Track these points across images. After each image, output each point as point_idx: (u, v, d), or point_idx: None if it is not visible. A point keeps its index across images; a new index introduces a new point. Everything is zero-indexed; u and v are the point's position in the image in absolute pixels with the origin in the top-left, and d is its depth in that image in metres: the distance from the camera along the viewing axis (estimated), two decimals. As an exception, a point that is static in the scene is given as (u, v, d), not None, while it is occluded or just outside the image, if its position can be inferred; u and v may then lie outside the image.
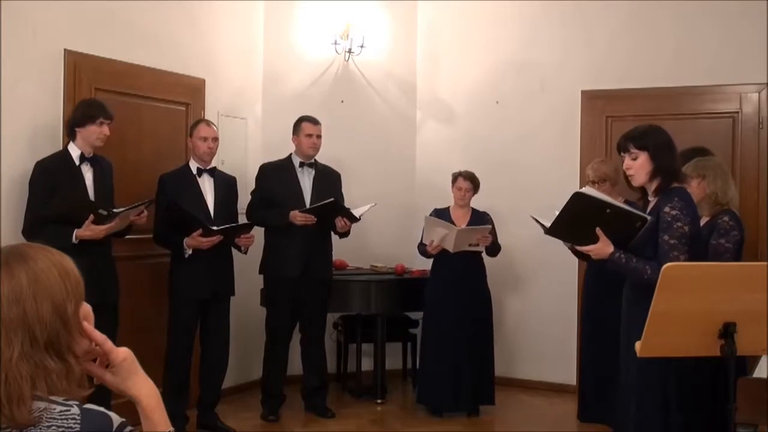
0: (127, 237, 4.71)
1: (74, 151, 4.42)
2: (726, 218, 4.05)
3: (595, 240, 3.28)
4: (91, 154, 4.47)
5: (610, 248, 3.26)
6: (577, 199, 3.27)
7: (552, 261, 6.07)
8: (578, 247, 3.42)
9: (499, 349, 5.92)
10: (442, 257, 5.56)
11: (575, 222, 3.33)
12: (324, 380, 5.72)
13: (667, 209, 3.21)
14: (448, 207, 5.75)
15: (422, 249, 5.66)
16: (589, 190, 3.36)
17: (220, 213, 5.08)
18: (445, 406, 5.64)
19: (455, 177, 5.70)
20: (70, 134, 4.46)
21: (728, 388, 2.66)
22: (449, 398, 5.58)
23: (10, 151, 4.38)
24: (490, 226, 5.55)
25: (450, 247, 5.43)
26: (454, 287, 5.57)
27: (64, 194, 4.27)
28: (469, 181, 5.65)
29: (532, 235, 5.42)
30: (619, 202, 3.47)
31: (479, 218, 5.70)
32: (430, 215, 5.65)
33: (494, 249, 5.64)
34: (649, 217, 3.24)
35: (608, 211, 3.25)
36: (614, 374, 3.64)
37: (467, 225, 5.59)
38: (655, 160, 3.29)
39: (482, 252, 5.62)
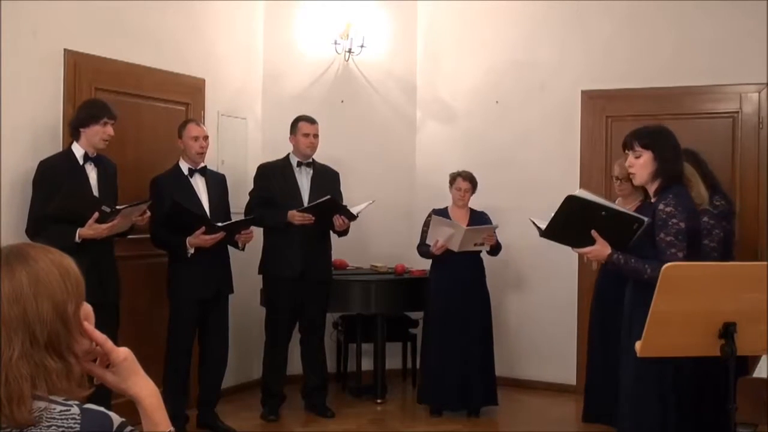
0: (127, 237, 4.69)
1: (78, 150, 4.41)
2: (705, 218, 4.05)
3: (591, 242, 3.29)
4: (95, 154, 4.46)
5: (608, 249, 3.27)
6: (571, 202, 3.27)
7: (550, 261, 6.07)
8: (575, 250, 3.42)
9: (499, 349, 5.89)
10: (441, 257, 5.56)
11: (570, 225, 3.32)
12: (324, 380, 5.72)
13: (661, 206, 3.23)
14: (446, 207, 5.75)
15: (423, 250, 5.64)
16: (582, 193, 3.35)
17: (217, 212, 5.08)
18: (445, 405, 5.63)
19: (454, 177, 5.70)
20: (73, 134, 4.44)
21: (728, 388, 2.66)
22: (450, 398, 5.58)
23: (10, 151, 4.38)
24: (497, 225, 5.55)
25: (455, 247, 5.42)
26: (455, 287, 5.57)
27: (68, 193, 4.25)
28: (468, 182, 5.65)
29: (531, 235, 5.40)
30: (614, 204, 3.48)
31: (478, 218, 5.70)
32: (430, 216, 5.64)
33: (496, 248, 5.64)
34: (646, 219, 3.25)
35: (603, 213, 3.26)
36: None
37: (467, 225, 5.59)
38: (658, 161, 3.29)
39: (481, 252, 5.63)
